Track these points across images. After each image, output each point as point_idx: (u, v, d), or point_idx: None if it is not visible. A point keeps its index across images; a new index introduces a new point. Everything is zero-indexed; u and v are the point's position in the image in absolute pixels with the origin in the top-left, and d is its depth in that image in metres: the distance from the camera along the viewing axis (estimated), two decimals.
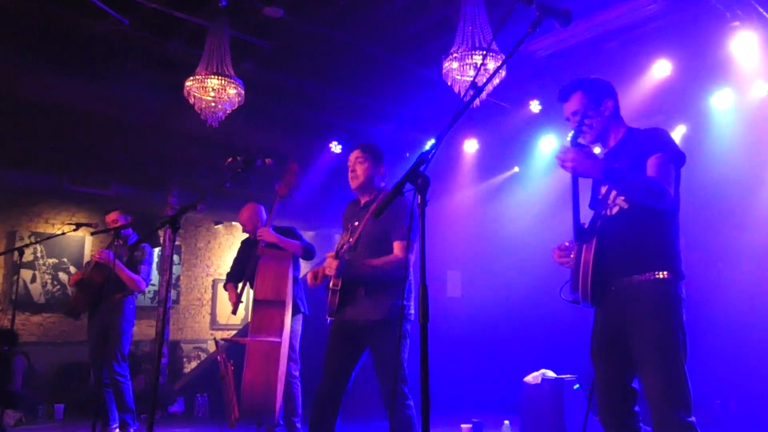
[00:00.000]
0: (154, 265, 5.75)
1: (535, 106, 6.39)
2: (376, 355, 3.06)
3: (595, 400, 2.44)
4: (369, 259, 3.12)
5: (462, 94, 4.49)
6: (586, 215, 2.53)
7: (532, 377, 4.68)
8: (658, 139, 2.41)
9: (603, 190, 2.56)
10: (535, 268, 7.25)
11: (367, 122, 7.01)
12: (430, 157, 1.84)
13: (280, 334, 3.99)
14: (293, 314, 4.34)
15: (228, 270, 4.91)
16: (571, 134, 2.45)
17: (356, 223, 3.23)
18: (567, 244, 2.48)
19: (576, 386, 4.66)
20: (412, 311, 3.10)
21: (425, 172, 1.81)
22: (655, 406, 2.18)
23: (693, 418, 2.18)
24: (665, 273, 2.31)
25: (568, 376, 4.68)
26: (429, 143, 7.37)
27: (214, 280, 10.13)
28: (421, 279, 1.76)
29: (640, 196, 2.32)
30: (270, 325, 4.01)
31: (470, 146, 7.46)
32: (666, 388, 2.18)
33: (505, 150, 7.45)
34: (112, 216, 5.02)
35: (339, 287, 3.05)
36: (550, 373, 4.68)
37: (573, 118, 2.58)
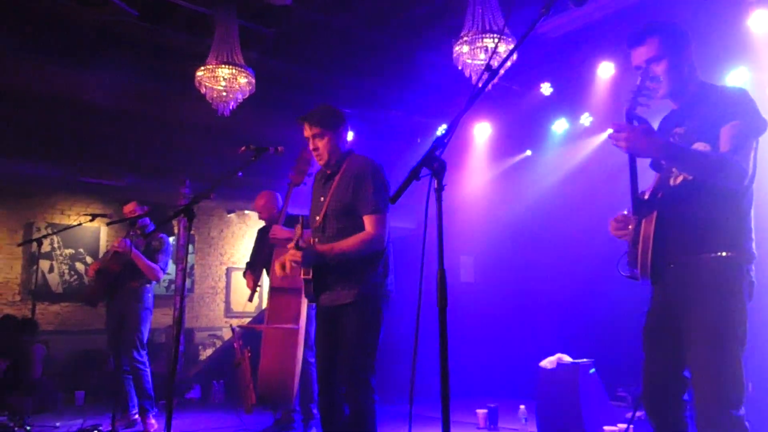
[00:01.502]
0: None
1: (546, 88, 6.32)
2: (340, 338, 2.84)
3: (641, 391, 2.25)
4: (339, 239, 2.87)
5: (473, 78, 4.46)
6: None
7: (548, 362, 4.67)
8: (736, 103, 2.10)
9: None
10: (548, 251, 7.24)
11: (375, 108, 6.98)
12: (445, 141, 1.83)
13: (296, 320, 4.01)
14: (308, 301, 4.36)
15: (246, 260, 4.99)
16: (630, 103, 2.11)
17: (322, 199, 3.00)
18: (625, 213, 2.25)
19: (592, 370, 4.65)
20: (390, 288, 2.91)
21: (441, 156, 1.81)
22: (701, 397, 1.99)
23: (742, 411, 1.98)
24: (730, 252, 2.06)
25: (584, 360, 4.67)
26: (440, 128, 7.34)
27: (227, 269, 10.20)
28: (438, 264, 1.75)
29: (712, 176, 2.04)
30: (286, 312, 4.03)
31: (482, 130, 7.41)
32: (714, 380, 1.97)
33: (518, 133, 7.40)
34: (129, 206, 5.09)
35: (311, 275, 2.88)
36: (566, 358, 4.67)
37: (646, 66, 2.20)
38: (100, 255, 8.75)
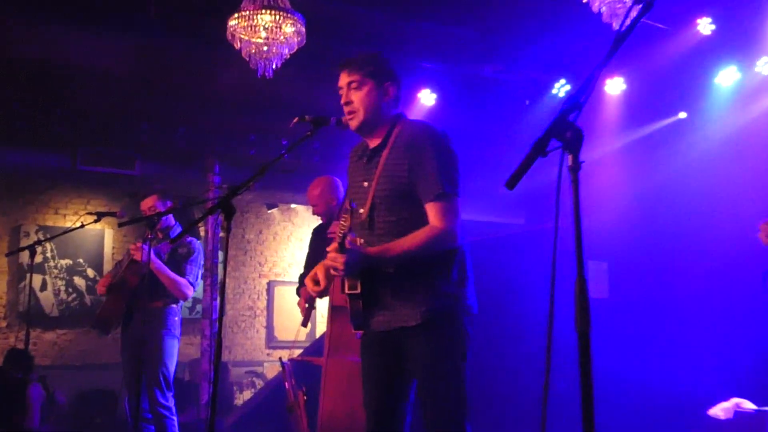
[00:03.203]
0: None
1: (705, 25, 6.16)
2: (416, 374, 2.87)
3: None
4: (393, 238, 2.85)
5: (603, 13, 4.39)
6: None
7: (721, 409, 4.56)
8: None
9: None
10: (713, 256, 7.04)
11: (468, 62, 6.96)
12: (582, 101, 1.81)
13: None
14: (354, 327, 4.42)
15: (296, 270, 5.04)
16: None
17: (365, 184, 2.98)
18: None
19: None
20: (471, 302, 2.91)
21: (576, 122, 1.80)
22: None
23: None
24: None
25: None
26: (558, 85, 7.27)
27: (269, 283, 10.41)
28: (577, 273, 1.75)
29: None
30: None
31: (614, 87, 7.29)
32: None
33: (665, 89, 7.23)
34: (148, 202, 5.18)
35: (359, 289, 2.85)
36: (747, 404, 4.54)
37: None
38: (106, 266, 9.13)
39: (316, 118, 3.18)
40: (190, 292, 5.11)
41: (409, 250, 2.79)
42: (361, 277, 2.83)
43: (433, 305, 2.80)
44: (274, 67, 4.86)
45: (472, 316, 2.90)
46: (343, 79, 2.98)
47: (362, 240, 2.89)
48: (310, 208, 5.20)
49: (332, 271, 2.83)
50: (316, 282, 3.03)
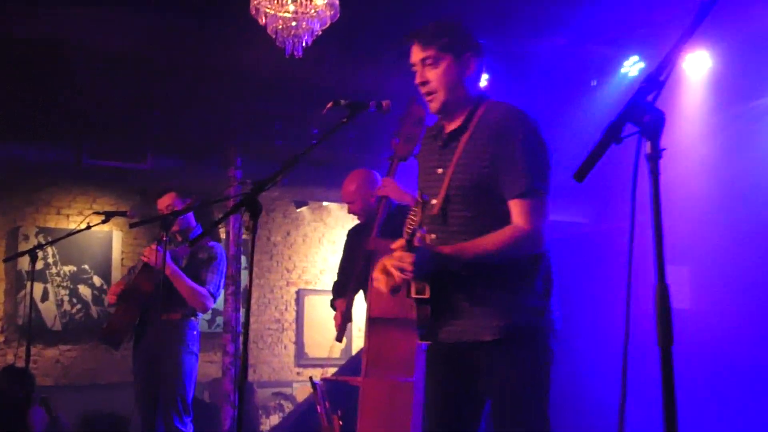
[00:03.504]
0: None
1: None
2: (490, 396, 2.89)
3: None
4: (469, 236, 2.84)
5: None
6: None
7: None
8: None
9: None
10: None
11: (524, 36, 6.93)
12: (662, 79, 1.80)
13: (409, 368, 4.08)
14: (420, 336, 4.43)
15: (328, 277, 5.06)
16: None
17: (440, 171, 2.98)
18: None
19: None
20: (555, 316, 2.91)
21: (655, 104, 1.79)
22: None
23: None
24: None
25: None
26: (629, 62, 7.20)
27: (298, 292, 10.46)
28: (657, 279, 1.74)
29: None
30: (395, 356, 4.12)
31: (697, 62, 7.20)
32: None
33: (759, 65, 7.12)
34: (166, 200, 5.26)
35: (427, 293, 2.82)
36: None
37: None
38: (114, 273, 9.26)
39: (353, 102, 3.19)
40: (211, 304, 5.15)
41: (489, 252, 2.79)
42: (430, 280, 2.80)
43: (515, 320, 2.80)
44: (303, 45, 4.88)
45: (556, 331, 2.90)
46: (416, 54, 2.97)
47: (434, 236, 2.88)
48: (345, 207, 5.22)
49: (397, 273, 2.75)
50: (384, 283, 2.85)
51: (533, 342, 2.83)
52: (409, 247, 2.72)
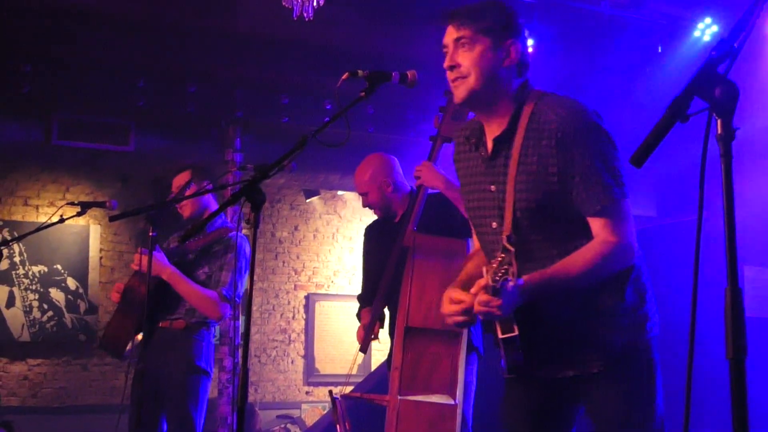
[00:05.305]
0: None
1: None
2: (598, 425, 2.98)
3: None
4: (540, 264, 2.86)
5: None
6: None
7: None
8: None
9: None
10: None
11: None
12: (737, 46, 1.82)
13: (451, 388, 4.11)
14: (466, 353, 4.43)
15: (350, 280, 5.07)
16: None
17: (492, 188, 2.99)
18: None
19: None
20: (653, 323, 2.98)
21: (727, 75, 1.80)
22: None
23: None
24: None
25: None
26: (702, 26, 7.18)
27: (307, 297, 10.43)
28: (728, 280, 1.76)
29: None
30: (434, 374, 4.14)
31: None
32: None
33: None
34: (179, 179, 5.09)
35: (516, 330, 2.82)
36: None
37: None
38: (92, 274, 9.30)
39: (373, 73, 3.20)
40: (225, 309, 4.95)
41: (579, 276, 2.82)
42: (516, 315, 2.80)
43: (615, 343, 2.87)
44: (314, 4, 4.89)
45: (656, 338, 2.96)
46: (450, 35, 2.97)
47: (505, 265, 2.81)
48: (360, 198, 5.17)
49: (482, 316, 2.80)
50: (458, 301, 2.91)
51: (637, 360, 2.91)
52: (492, 288, 2.71)
